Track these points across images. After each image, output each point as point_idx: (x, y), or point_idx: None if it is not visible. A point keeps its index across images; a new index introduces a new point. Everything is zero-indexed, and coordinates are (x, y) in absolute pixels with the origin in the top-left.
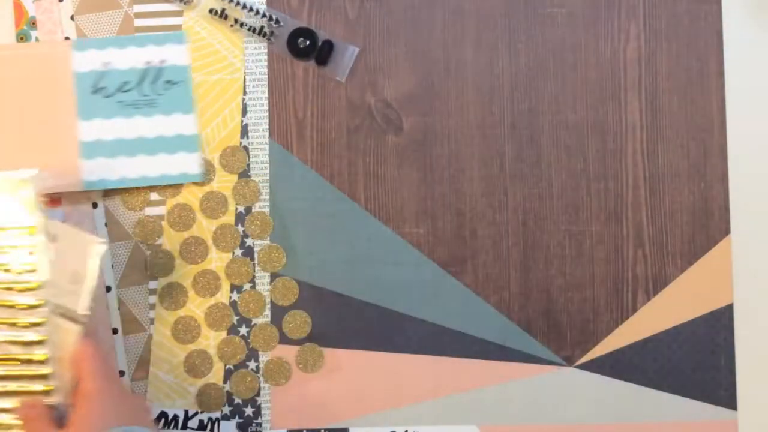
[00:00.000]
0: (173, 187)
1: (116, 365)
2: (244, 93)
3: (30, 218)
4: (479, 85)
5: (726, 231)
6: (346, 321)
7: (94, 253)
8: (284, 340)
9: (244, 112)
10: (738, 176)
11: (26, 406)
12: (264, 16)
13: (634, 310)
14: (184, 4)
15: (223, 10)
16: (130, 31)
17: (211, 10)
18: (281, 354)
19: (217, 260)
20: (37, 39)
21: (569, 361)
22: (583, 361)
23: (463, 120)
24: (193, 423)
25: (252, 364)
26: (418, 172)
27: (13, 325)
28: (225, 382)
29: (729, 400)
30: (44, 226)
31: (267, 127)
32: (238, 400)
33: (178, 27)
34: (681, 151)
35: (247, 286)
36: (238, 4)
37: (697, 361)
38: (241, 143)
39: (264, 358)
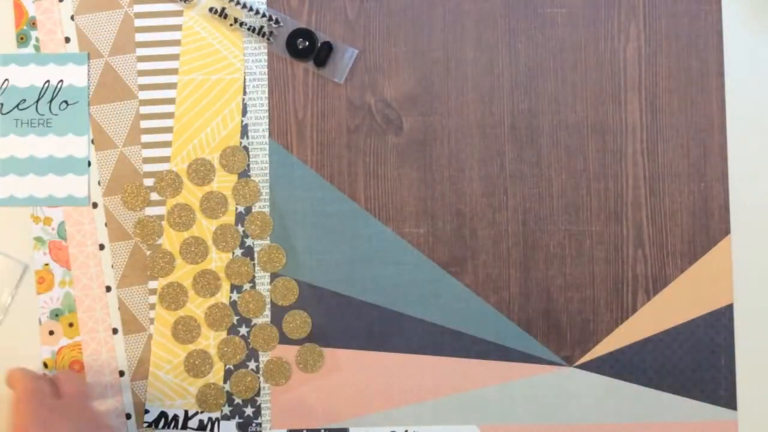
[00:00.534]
0: (173, 186)
1: None
2: (244, 93)
3: None
4: (479, 85)
5: (726, 231)
6: (346, 321)
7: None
8: (284, 340)
9: (244, 112)
10: (738, 176)
11: None
12: (264, 16)
13: (634, 310)
14: (185, 2)
15: (223, 9)
16: (130, 31)
17: (211, 9)
18: (281, 354)
19: (217, 260)
20: (37, 39)
21: (569, 361)
22: (583, 361)
23: (463, 120)
24: (193, 423)
25: (252, 364)
26: (418, 172)
27: None
28: (225, 382)
29: (729, 400)
30: None
31: (267, 127)
32: (238, 400)
33: (178, 27)
34: (681, 151)
35: (247, 286)
36: (238, 3)
37: (697, 361)
38: (241, 143)
39: (264, 358)
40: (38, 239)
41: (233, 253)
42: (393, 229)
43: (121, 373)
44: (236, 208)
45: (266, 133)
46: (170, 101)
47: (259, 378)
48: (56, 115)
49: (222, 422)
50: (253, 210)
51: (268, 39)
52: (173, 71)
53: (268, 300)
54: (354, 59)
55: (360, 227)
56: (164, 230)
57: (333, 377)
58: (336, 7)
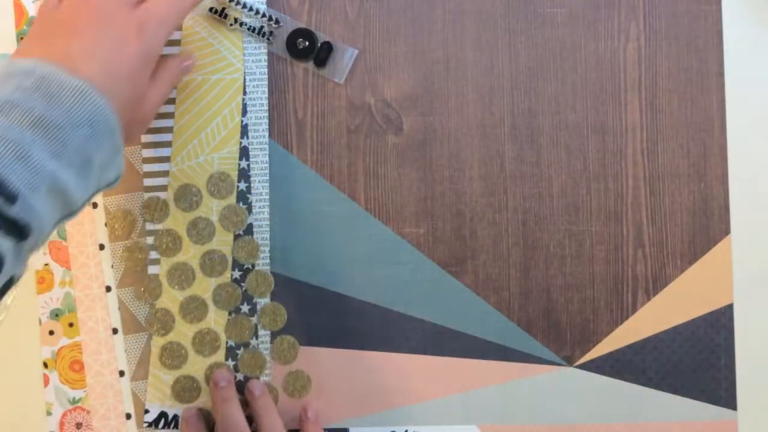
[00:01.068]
0: (172, 247)
1: None
2: (244, 93)
3: None
4: (479, 85)
5: (726, 231)
6: (345, 321)
7: None
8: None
9: (244, 112)
10: (738, 176)
11: None
12: (264, 16)
13: (634, 310)
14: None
15: (223, 9)
16: None
17: (211, 9)
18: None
19: (216, 319)
20: None
21: (569, 361)
22: (583, 361)
23: (463, 120)
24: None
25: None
26: (418, 172)
27: None
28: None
29: (729, 400)
30: None
31: (267, 127)
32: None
33: (178, 27)
34: (681, 151)
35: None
36: (238, 3)
37: (697, 361)
38: (240, 143)
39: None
40: None
41: (230, 313)
42: (393, 229)
43: (121, 373)
44: (233, 272)
45: (266, 133)
46: (170, 101)
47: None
48: None
49: None
50: (256, 268)
51: (268, 39)
52: None
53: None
54: (354, 59)
55: (360, 227)
56: (163, 290)
57: (332, 377)
58: (336, 7)
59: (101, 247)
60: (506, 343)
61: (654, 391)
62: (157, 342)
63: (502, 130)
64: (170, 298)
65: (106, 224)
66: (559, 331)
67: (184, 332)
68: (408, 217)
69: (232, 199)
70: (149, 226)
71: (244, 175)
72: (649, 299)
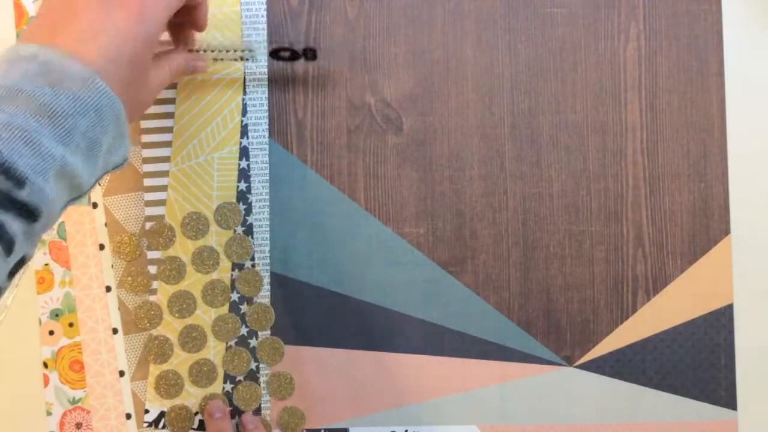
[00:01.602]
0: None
1: None
2: (244, 93)
3: None
4: (479, 85)
5: (726, 231)
6: (345, 321)
7: None
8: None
9: (244, 112)
10: (738, 176)
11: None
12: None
13: (634, 310)
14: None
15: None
16: None
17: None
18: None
19: (214, 349)
20: None
21: (569, 361)
22: (583, 361)
23: (463, 120)
24: (194, 423)
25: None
26: (418, 172)
27: None
28: None
29: (729, 400)
30: None
31: (267, 127)
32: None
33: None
34: (681, 151)
35: (241, 377)
36: (212, 51)
37: (697, 361)
38: (240, 143)
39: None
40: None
41: (227, 343)
42: (393, 229)
43: (121, 373)
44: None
45: (266, 133)
46: (170, 101)
47: None
48: None
49: None
50: (255, 301)
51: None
52: None
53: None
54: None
55: (360, 227)
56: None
57: (332, 377)
58: (336, 7)
59: (101, 247)
60: (506, 343)
61: (654, 391)
62: (154, 371)
63: (502, 130)
64: (169, 327)
65: (111, 248)
66: (559, 331)
67: (181, 361)
68: (408, 217)
69: (239, 229)
70: (151, 254)
71: (244, 175)
72: (649, 299)
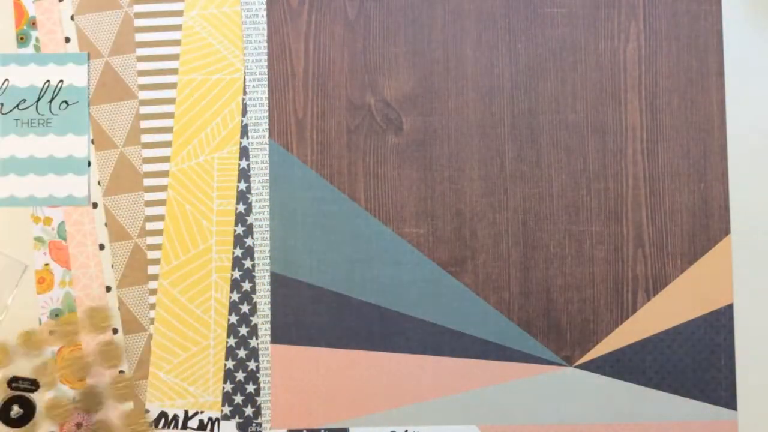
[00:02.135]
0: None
1: None
2: (244, 93)
3: None
4: (479, 84)
5: (726, 231)
6: (345, 321)
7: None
8: None
9: (244, 112)
10: (738, 176)
11: None
12: None
13: (634, 309)
14: None
15: None
16: (130, 31)
17: None
18: None
19: None
20: (37, 39)
21: (569, 361)
22: (582, 361)
23: (463, 120)
24: (193, 423)
25: None
26: (418, 172)
27: None
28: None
29: (729, 400)
30: None
31: (267, 127)
32: (238, 400)
33: (178, 27)
34: (681, 151)
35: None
36: None
37: (697, 361)
38: (240, 143)
39: None
40: (38, 239)
41: None
42: (393, 229)
43: (121, 373)
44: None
45: (266, 133)
46: (170, 101)
47: None
48: (56, 115)
49: (222, 422)
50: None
51: None
52: (173, 71)
53: None
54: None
55: (360, 227)
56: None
57: (333, 377)
58: (336, 8)
59: (101, 247)
60: (506, 343)
61: (654, 391)
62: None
63: (502, 130)
64: None
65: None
66: (559, 331)
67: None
68: (408, 217)
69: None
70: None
71: (244, 175)
72: (649, 299)
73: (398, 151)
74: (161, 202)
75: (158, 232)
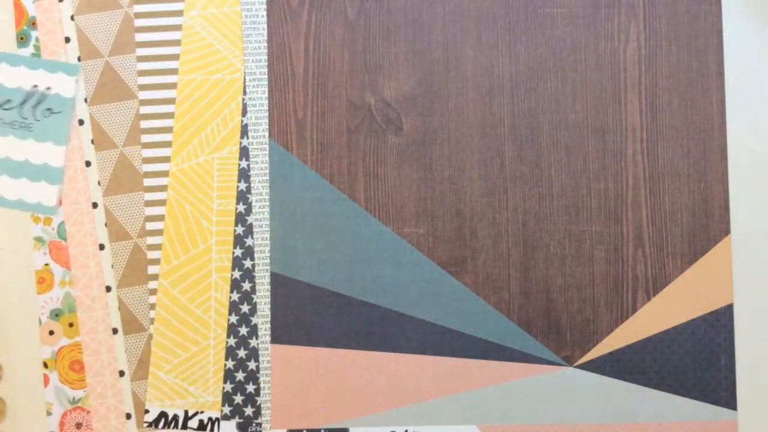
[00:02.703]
0: None
1: None
2: (244, 93)
3: None
4: (479, 85)
5: (726, 231)
6: (345, 321)
7: None
8: None
9: (244, 112)
10: (738, 176)
11: None
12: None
13: (634, 310)
14: None
15: None
16: (130, 31)
17: None
18: None
19: None
20: (37, 39)
21: (569, 361)
22: (582, 361)
23: (463, 120)
24: (193, 423)
25: None
26: (418, 172)
27: None
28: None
29: (729, 400)
30: None
31: (267, 127)
32: (238, 400)
33: (178, 27)
34: (681, 151)
35: None
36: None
37: (698, 361)
38: (240, 143)
39: None
40: (38, 239)
41: None
42: (393, 229)
43: (121, 373)
44: None
45: (266, 133)
46: (170, 101)
47: None
48: (39, 120)
49: (222, 422)
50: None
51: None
52: (173, 71)
53: None
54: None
55: (360, 227)
56: None
57: (333, 377)
58: (336, 8)
59: (101, 247)
60: (506, 343)
61: (654, 391)
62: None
63: (502, 130)
64: None
65: None
66: (559, 331)
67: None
68: (408, 217)
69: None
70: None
71: (244, 175)
72: (649, 299)
73: (398, 151)
74: (161, 202)
75: (158, 232)
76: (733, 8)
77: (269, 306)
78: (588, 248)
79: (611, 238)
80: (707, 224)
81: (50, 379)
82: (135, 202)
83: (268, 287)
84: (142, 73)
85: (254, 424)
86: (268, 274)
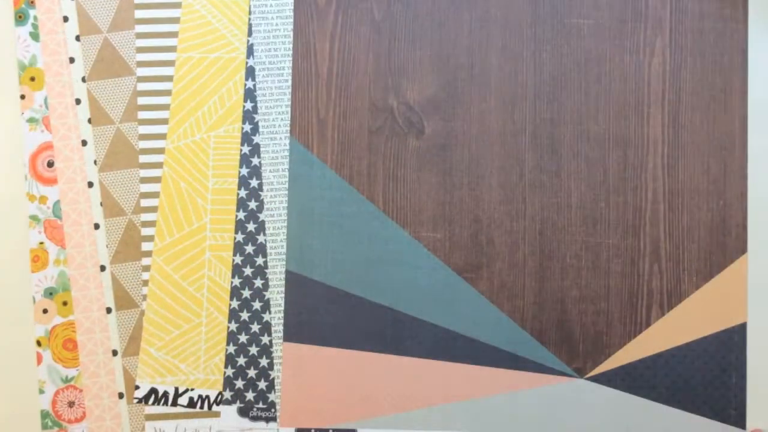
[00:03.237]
0: None
1: None
2: (253, 80)
3: None
4: (502, 92)
5: (742, 250)
6: (359, 322)
7: None
8: None
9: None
10: (756, 195)
11: None
12: None
13: (648, 324)
14: None
15: None
16: (130, 7)
17: None
18: None
19: None
20: (35, 18)
21: (580, 372)
22: (594, 373)
23: (485, 127)
24: (183, 400)
25: None
26: (437, 177)
27: None
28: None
29: (738, 419)
30: None
31: (276, 117)
32: (239, 385)
33: (178, 5)
34: (701, 168)
35: None
36: None
37: (708, 379)
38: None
39: None
40: (33, 217)
41: None
42: (410, 233)
43: (114, 353)
44: None
45: (276, 124)
46: (168, 78)
47: None
48: None
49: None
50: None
51: None
52: (172, 49)
53: None
54: None
55: (377, 229)
56: None
57: (343, 378)
58: (363, 9)
59: (96, 226)
60: (518, 352)
61: (663, 407)
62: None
63: (523, 139)
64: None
65: None
66: (572, 342)
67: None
68: (425, 221)
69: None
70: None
71: (246, 160)
72: (663, 314)
73: (418, 155)
74: (157, 179)
75: (153, 209)
76: (759, 28)
77: (282, 303)
78: (604, 261)
79: (628, 251)
80: (724, 242)
81: (43, 357)
82: (130, 179)
83: (282, 284)
84: (141, 49)
85: (255, 409)
86: (280, 270)
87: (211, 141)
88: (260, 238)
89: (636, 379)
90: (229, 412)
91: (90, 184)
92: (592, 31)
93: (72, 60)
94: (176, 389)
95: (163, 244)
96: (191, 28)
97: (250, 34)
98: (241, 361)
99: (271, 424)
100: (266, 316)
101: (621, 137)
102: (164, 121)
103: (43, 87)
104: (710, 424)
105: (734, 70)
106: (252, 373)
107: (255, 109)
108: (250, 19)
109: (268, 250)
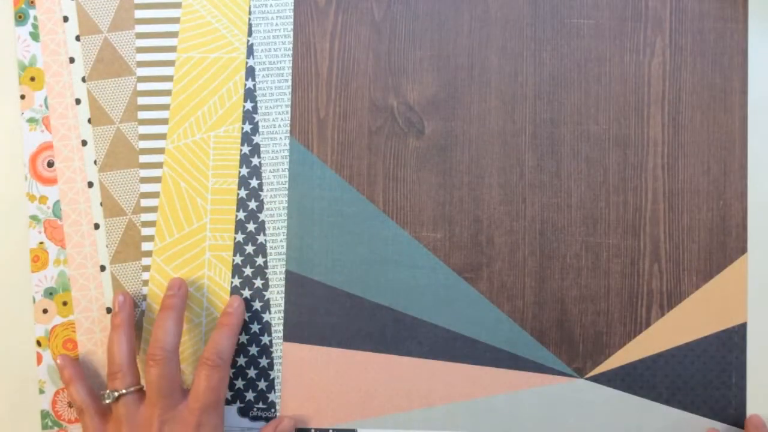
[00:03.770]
0: None
1: None
2: (254, 80)
3: None
4: (502, 92)
5: (743, 250)
6: (358, 322)
7: None
8: None
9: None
10: (757, 195)
11: None
12: None
13: (648, 324)
14: None
15: None
16: (130, 7)
17: None
18: None
19: None
20: (35, 18)
21: (580, 372)
22: (594, 373)
23: (485, 127)
24: None
25: None
26: (437, 177)
27: None
28: None
29: (738, 419)
30: None
31: (276, 117)
32: (239, 385)
33: (178, 5)
34: (701, 168)
35: None
36: None
37: (708, 379)
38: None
39: None
40: (33, 217)
41: None
42: (410, 233)
43: None
44: None
45: (275, 125)
46: (168, 79)
47: None
48: None
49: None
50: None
51: None
52: (172, 49)
53: None
54: None
55: (377, 229)
56: None
57: (343, 378)
58: (363, 8)
59: (96, 226)
60: (517, 352)
61: (663, 407)
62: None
63: (523, 139)
64: None
65: None
66: (572, 343)
67: None
68: (425, 221)
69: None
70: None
71: (246, 160)
72: (663, 314)
73: (418, 155)
74: (157, 179)
75: (153, 209)
76: (759, 28)
77: (283, 304)
78: (604, 261)
79: (628, 251)
80: (724, 242)
81: (43, 357)
82: (130, 179)
83: (282, 284)
84: (141, 50)
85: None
86: (280, 270)
87: (211, 141)
88: (260, 238)
89: (636, 379)
90: (229, 412)
91: (90, 184)
92: (592, 31)
93: (72, 60)
94: None
95: (163, 244)
96: (191, 28)
97: (250, 34)
98: (241, 361)
99: None
100: (266, 316)
101: (621, 137)
102: (164, 121)
103: (43, 87)
104: (710, 423)
105: (734, 70)
106: (252, 373)
107: (255, 109)
108: (250, 19)
109: (268, 250)
